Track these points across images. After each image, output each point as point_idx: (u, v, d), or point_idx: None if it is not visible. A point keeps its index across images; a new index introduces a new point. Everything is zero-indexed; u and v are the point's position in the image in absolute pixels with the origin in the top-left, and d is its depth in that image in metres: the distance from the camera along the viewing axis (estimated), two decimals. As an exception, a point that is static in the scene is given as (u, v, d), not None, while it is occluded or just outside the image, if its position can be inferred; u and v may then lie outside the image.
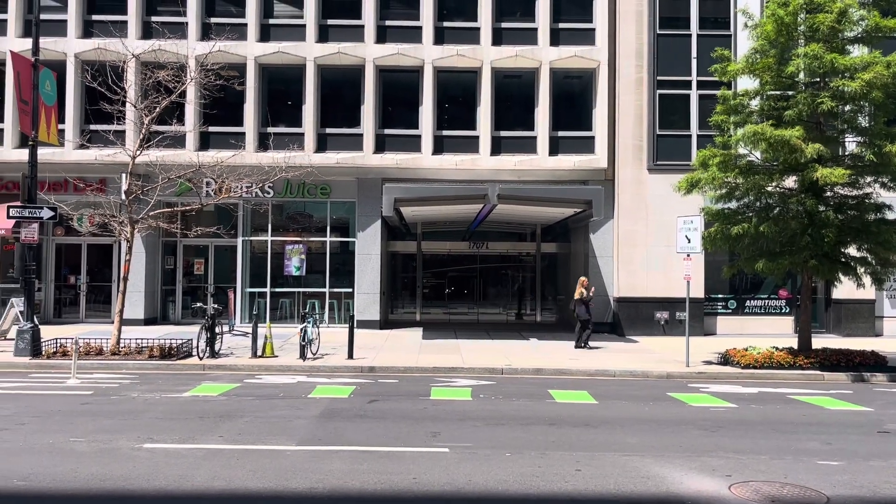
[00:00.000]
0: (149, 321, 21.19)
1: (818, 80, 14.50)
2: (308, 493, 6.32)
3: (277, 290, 22.07)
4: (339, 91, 21.97)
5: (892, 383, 13.79)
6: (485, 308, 25.83)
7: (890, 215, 14.64)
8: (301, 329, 14.88)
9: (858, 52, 14.70)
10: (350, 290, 21.82)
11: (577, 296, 17.61)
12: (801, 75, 14.52)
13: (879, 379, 13.95)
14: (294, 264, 21.82)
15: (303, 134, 21.03)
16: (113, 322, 20.21)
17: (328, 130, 21.42)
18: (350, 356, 14.95)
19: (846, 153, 15.34)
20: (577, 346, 17.34)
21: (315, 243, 22.21)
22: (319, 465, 7.15)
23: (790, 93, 14.65)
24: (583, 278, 18.16)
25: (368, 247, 21.49)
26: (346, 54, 21.06)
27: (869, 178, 14.57)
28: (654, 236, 20.67)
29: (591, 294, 17.81)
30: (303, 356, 14.68)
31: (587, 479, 6.85)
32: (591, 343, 17.54)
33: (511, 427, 9.15)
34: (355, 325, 15.90)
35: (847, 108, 14.32)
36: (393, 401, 10.98)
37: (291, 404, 10.51)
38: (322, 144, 21.28)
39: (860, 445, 8.53)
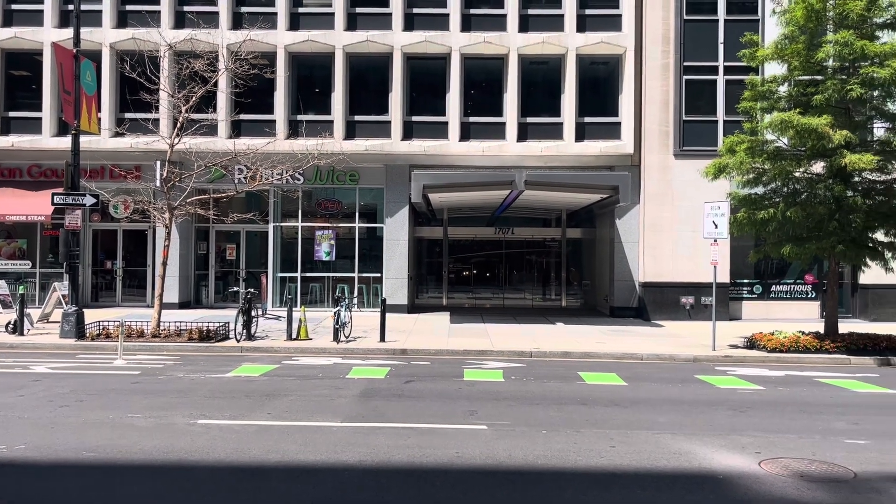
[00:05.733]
0: (183, 305, 21.79)
1: (847, 66, 14.52)
2: (359, 465, 6.69)
3: (307, 274, 22.53)
4: (368, 78, 22.25)
5: (919, 367, 13.93)
6: (510, 293, 26.15)
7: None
8: (335, 312, 15.28)
9: (888, 38, 14.69)
10: (378, 274, 22.23)
11: None
12: (831, 61, 14.56)
13: (906, 363, 14.10)
14: (324, 250, 22.25)
15: (332, 121, 21.35)
16: (149, 306, 20.95)
17: (357, 118, 21.72)
18: (382, 339, 15.35)
19: (874, 139, 15.36)
20: None
21: (344, 229, 22.60)
22: (366, 440, 7.53)
23: (819, 78, 14.70)
24: None
25: (396, 232, 21.85)
26: (374, 42, 21.31)
27: (897, 164, 14.63)
28: (680, 222, 20.81)
29: None
30: (336, 339, 15.10)
31: (622, 455, 7.16)
32: (624, 327, 17.46)
33: (544, 406, 9.48)
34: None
35: (876, 93, 14.37)
36: (428, 381, 11.35)
37: (331, 384, 10.92)
38: (351, 131, 21.60)
39: (887, 426, 8.75)
